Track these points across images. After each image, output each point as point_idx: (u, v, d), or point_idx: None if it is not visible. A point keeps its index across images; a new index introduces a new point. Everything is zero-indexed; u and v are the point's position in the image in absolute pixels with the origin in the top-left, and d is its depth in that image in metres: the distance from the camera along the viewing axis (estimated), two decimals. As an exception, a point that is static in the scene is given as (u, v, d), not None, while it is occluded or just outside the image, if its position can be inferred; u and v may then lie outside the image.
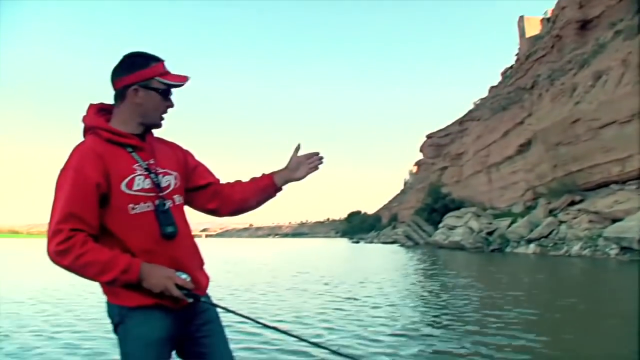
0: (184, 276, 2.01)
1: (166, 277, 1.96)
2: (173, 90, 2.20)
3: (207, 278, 2.26)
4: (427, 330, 7.54)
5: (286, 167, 2.47)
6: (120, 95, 2.12)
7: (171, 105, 2.21)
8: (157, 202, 2.09)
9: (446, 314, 8.87)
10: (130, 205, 2.02)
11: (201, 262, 2.28)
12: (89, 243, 1.89)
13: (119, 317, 2.02)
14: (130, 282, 1.92)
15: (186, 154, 2.41)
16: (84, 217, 1.92)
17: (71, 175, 1.92)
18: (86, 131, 2.12)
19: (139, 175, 2.07)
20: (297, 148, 2.48)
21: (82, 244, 1.86)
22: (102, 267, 1.88)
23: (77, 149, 2.02)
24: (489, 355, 5.81)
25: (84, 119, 2.13)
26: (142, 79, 2.10)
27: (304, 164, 2.46)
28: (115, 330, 2.06)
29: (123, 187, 2.02)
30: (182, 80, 2.18)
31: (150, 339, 2.02)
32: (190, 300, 2.03)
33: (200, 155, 2.40)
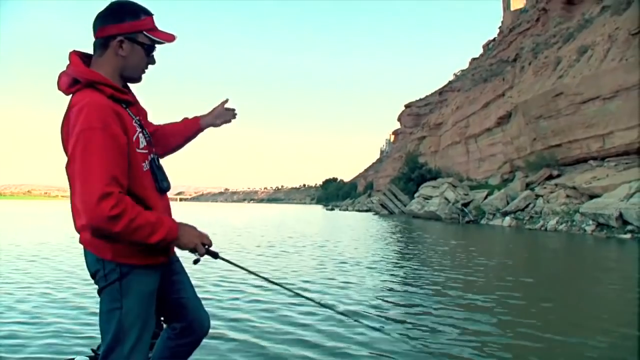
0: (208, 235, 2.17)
1: (197, 237, 2.11)
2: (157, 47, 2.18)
3: None
4: (401, 290, 7.38)
5: (210, 114, 2.70)
6: (102, 45, 2.05)
7: (153, 63, 2.17)
8: (150, 157, 2.16)
9: (421, 280, 8.62)
10: (142, 164, 2.08)
11: None
12: (136, 205, 1.89)
13: (118, 274, 2.01)
14: (170, 242, 2.00)
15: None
16: (122, 179, 1.90)
17: (101, 136, 1.83)
18: (73, 84, 1.99)
19: (139, 132, 2.11)
20: (225, 101, 2.75)
21: (132, 206, 1.86)
22: (152, 229, 1.91)
23: (91, 106, 1.88)
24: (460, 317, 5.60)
25: (74, 71, 1.99)
26: (129, 30, 2.03)
27: (225, 115, 2.72)
28: (105, 288, 2.03)
29: (135, 145, 2.05)
30: (170, 38, 2.14)
31: (149, 292, 2.10)
32: (208, 256, 2.20)
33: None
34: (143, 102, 2.36)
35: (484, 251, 14.41)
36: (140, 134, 2.10)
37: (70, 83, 1.99)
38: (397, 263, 11.27)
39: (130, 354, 2.02)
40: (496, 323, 5.64)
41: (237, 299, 6.83)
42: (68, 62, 2.04)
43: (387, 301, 6.89)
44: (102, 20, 2.02)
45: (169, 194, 2.33)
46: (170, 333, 2.42)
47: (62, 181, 2.09)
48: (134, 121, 2.09)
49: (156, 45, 2.15)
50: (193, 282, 2.51)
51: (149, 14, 2.09)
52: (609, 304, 7.12)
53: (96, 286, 2.08)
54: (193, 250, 2.10)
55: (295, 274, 9.39)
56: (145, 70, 2.18)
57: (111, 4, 2.05)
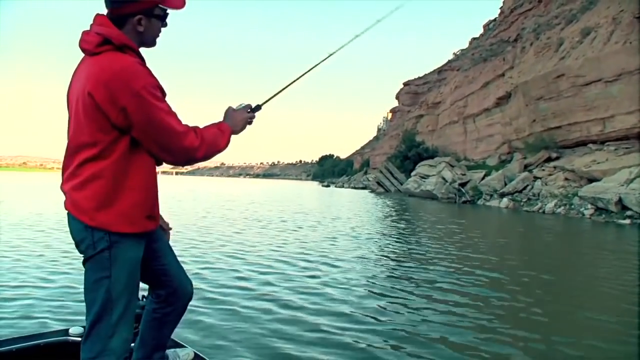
0: (241, 107, 2.41)
1: (243, 119, 2.37)
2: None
3: None
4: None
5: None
6: (120, 20, 2.05)
7: (165, 26, 2.19)
8: None
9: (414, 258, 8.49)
10: None
11: None
12: (200, 128, 2.16)
13: (107, 242, 2.00)
14: (230, 139, 2.28)
15: None
16: None
17: (160, 91, 2.01)
18: (103, 44, 1.99)
19: None
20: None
21: (201, 130, 2.14)
22: (219, 136, 2.20)
23: (137, 65, 1.98)
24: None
25: (115, 33, 2.01)
26: (147, 7, 2.06)
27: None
28: (92, 257, 2.02)
29: None
30: (180, 5, 2.15)
31: (136, 261, 2.11)
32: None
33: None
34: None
35: (485, 235, 14.31)
36: None
37: (100, 42, 1.98)
38: (401, 241, 11.16)
39: (118, 324, 2.04)
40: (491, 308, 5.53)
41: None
42: (92, 23, 2.05)
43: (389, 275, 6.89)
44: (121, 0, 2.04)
45: (167, 167, 2.54)
46: (155, 303, 2.45)
47: (58, 153, 2.13)
48: None
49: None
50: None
51: None
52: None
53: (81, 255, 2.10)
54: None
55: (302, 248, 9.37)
56: (159, 35, 2.20)
57: None
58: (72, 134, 2.02)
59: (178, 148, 2.05)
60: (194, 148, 2.06)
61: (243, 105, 2.40)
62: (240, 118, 2.35)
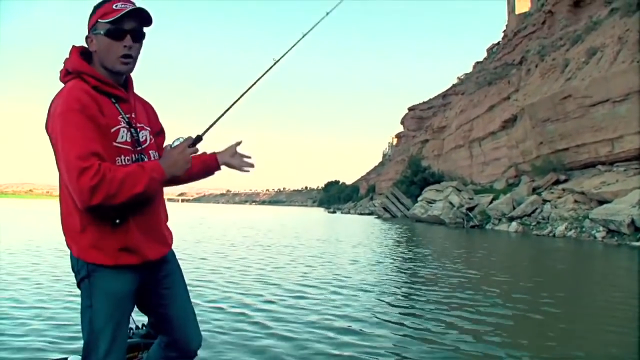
0: (177, 142, 2.14)
1: (183, 157, 2.09)
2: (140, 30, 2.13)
3: (171, 233, 2.36)
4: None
5: (226, 151, 2.51)
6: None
7: (127, 45, 2.06)
8: (135, 156, 2.11)
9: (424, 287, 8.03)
10: (117, 158, 2.02)
11: (167, 217, 2.36)
12: (112, 166, 1.89)
13: (86, 271, 2.00)
14: (159, 181, 1.99)
15: (157, 117, 2.42)
16: (102, 154, 1.90)
17: (78, 116, 1.87)
18: (66, 75, 2.05)
19: (123, 127, 2.08)
20: (238, 143, 2.54)
21: (109, 169, 1.85)
22: (135, 177, 1.89)
23: (70, 91, 1.93)
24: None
25: (68, 62, 2.06)
26: (91, 26, 2.07)
27: (239, 158, 2.50)
28: (79, 284, 2.05)
29: (111, 137, 2.03)
30: (120, 10, 2.01)
31: (120, 294, 2.04)
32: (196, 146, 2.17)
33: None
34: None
35: (497, 259, 13.84)
36: (123, 129, 2.07)
37: (65, 73, 2.05)
38: (414, 267, 10.70)
39: (106, 358, 2.00)
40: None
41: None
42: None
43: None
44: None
45: (171, 194, 2.03)
46: (161, 342, 2.40)
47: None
48: (120, 116, 2.07)
49: (128, 27, 2.04)
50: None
51: (108, 1, 2.05)
52: None
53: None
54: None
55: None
56: (129, 55, 2.08)
57: None
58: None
59: (73, 184, 1.82)
60: (91, 186, 1.79)
61: (180, 139, 2.16)
62: (179, 155, 2.11)
